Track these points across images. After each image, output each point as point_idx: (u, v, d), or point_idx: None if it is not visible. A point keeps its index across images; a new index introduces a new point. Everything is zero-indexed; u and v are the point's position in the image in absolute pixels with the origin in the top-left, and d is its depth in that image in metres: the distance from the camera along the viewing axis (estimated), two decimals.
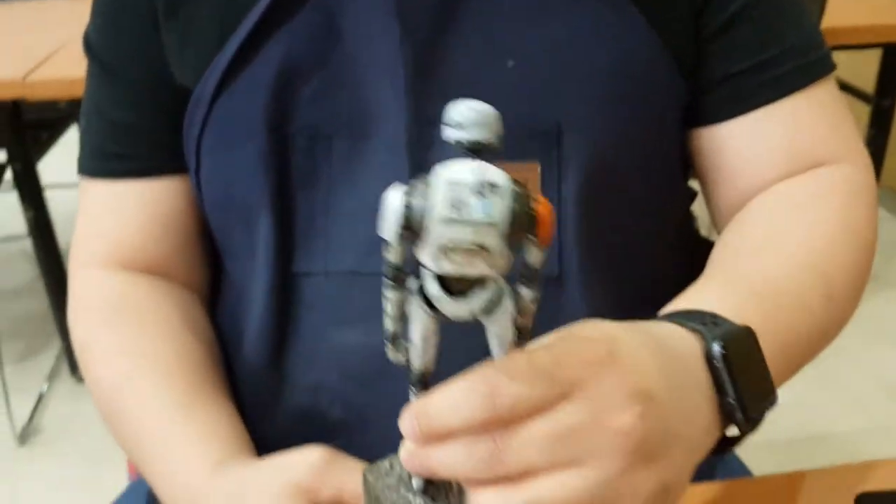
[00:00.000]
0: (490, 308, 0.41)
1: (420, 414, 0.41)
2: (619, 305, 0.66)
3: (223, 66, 0.64)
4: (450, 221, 0.38)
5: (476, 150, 0.39)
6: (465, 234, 0.38)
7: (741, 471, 0.82)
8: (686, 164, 0.71)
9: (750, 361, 0.49)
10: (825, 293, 0.60)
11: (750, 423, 0.49)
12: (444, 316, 0.41)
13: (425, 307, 0.41)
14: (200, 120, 0.65)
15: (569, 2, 0.63)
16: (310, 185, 0.65)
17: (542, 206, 0.39)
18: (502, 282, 0.41)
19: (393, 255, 0.41)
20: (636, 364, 0.42)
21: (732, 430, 0.51)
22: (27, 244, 2.11)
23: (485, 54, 0.62)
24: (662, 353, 0.45)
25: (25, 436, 2.05)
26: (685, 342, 0.49)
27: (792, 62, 0.66)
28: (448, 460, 0.40)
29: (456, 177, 0.38)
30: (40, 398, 2.16)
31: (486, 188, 0.38)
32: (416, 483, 0.46)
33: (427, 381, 0.44)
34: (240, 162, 0.65)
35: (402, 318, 0.42)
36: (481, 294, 0.40)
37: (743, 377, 0.48)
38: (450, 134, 0.39)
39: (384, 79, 0.63)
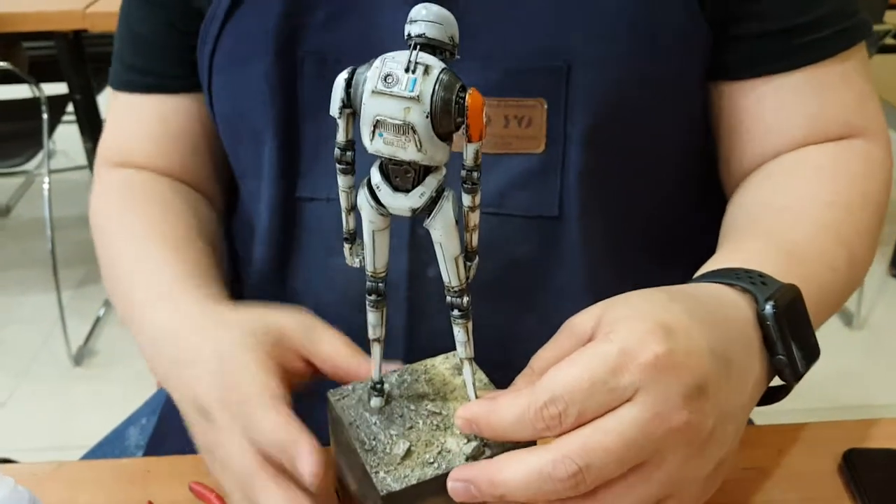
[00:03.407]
0: (429, 207, 0.42)
1: (483, 424, 0.44)
2: (616, 251, 0.67)
3: None
4: (378, 94, 0.40)
5: (427, 46, 0.40)
6: (391, 108, 0.39)
7: None
8: (706, 120, 0.71)
9: (797, 319, 0.51)
10: (847, 255, 0.61)
11: (796, 377, 0.51)
12: (384, 208, 0.43)
13: (369, 197, 0.43)
14: (213, 37, 0.67)
15: None
16: (317, 111, 0.65)
17: (472, 97, 0.40)
18: (442, 183, 0.42)
19: (339, 133, 0.43)
20: (690, 357, 0.43)
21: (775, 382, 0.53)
22: (87, 174, 2.18)
23: None
24: (714, 328, 0.46)
25: (80, 357, 2.15)
26: (736, 304, 0.50)
27: (829, 28, 0.64)
28: (527, 485, 0.41)
29: (393, 55, 0.40)
30: (96, 322, 2.26)
31: (417, 67, 0.40)
32: (374, 402, 0.49)
33: (380, 290, 0.46)
34: (248, 81, 0.66)
35: (355, 215, 0.45)
36: (419, 191, 0.42)
37: (792, 334, 0.50)
38: (406, 29, 0.41)
39: (398, 6, 0.62)
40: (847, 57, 0.66)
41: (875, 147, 0.68)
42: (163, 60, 0.73)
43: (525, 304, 0.66)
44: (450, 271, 0.44)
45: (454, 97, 0.40)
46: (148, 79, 0.73)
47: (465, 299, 0.45)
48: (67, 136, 2.57)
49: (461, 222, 0.43)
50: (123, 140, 0.76)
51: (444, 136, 0.41)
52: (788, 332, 0.50)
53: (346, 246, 0.46)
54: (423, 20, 0.40)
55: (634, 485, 0.42)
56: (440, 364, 0.52)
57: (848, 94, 0.67)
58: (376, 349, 0.48)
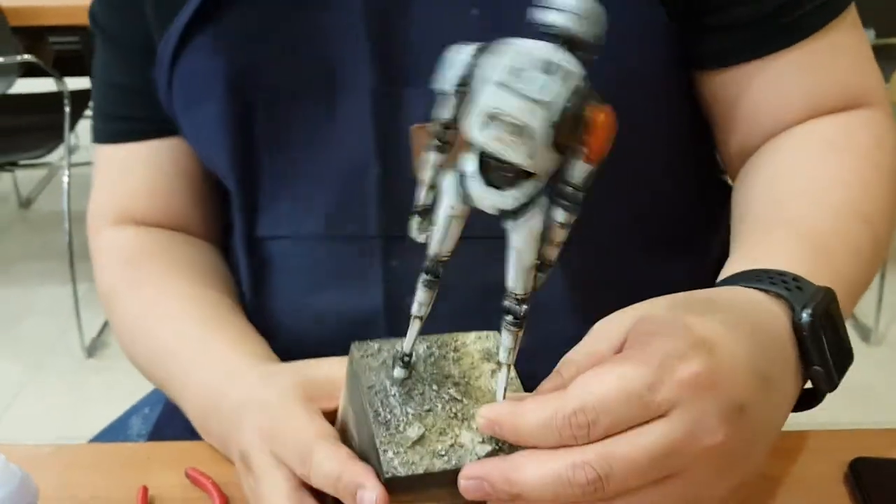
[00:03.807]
0: (516, 213, 0.39)
1: (507, 428, 0.42)
2: (612, 254, 0.66)
3: (181, 27, 0.63)
4: (502, 86, 0.36)
5: (564, 41, 0.37)
6: (512, 105, 0.36)
7: None
8: (689, 111, 0.68)
9: (833, 324, 0.49)
10: (871, 235, 0.59)
11: (832, 386, 0.49)
12: (471, 199, 0.40)
13: (459, 184, 0.40)
14: (165, 81, 0.66)
15: None
16: (275, 147, 0.65)
17: (603, 114, 0.36)
18: (540, 191, 0.39)
19: (446, 109, 0.39)
20: (731, 376, 0.41)
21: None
22: None
23: (448, 4, 0.60)
24: (754, 344, 0.44)
25: (93, 349, 2.16)
26: (773, 314, 0.48)
27: (811, 2, 0.62)
28: (544, 488, 0.40)
29: (528, 47, 0.37)
30: None
31: (553, 67, 0.36)
32: (397, 373, 0.46)
33: (437, 272, 0.44)
34: (203, 122, 0.66)
35: (434, 193, 0.42)
36: (513, 193, 0.39)
37: (828, 342, 0.48)
38: (540, 16, 0.37)
39: (348, 39, 0.61)
40: (835, 27, 0.64)
41: (878, 113, 0.66)
42: (146, 106, 0.70)
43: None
44: (518, 279, 0.41)
45: (585, 112, 0.36)
46: (135, 125, 0.71)
47: (525, 308, 0.42)
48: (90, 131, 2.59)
49: (546, 235, 0.40)
50: (119, 196, 0.75)
51: (561, 148, 0.38)
52: (825, 341, 0.48)
53: (416, 218, 0.43)
54: (572, 12, 0.36)
55: (654, 496, 0.40)
56: (472, 344, 0.50)
57: (842, 64, 0.65)
58: (416, 325, 0.46)
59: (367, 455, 0.46)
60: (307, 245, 0.66)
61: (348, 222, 0.65)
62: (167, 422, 0.78)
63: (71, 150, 2.14)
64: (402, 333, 0.46)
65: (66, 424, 1.91)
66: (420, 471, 0.43)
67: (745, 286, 0.50)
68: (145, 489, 0.57)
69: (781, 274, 0.51)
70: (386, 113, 0.62)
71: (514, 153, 0.37)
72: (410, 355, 0.47)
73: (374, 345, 0.48)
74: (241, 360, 0.62)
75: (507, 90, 0.36)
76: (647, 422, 0.39)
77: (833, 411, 0.75)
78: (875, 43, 1.78)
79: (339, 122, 0.63)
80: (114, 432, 0.85)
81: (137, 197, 0.73)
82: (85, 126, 2.36)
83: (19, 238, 2.66)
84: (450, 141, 0.40)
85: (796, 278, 0.50)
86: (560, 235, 0.40)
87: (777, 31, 0.63)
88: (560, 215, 0.39)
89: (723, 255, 0.60)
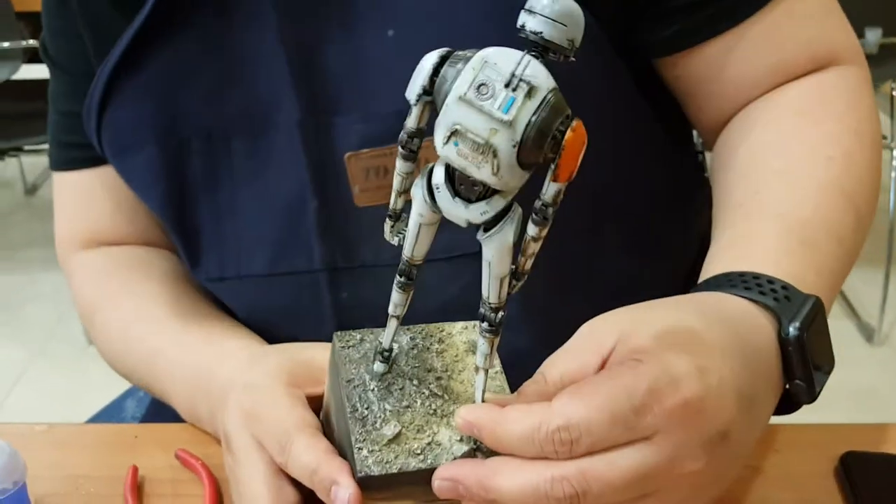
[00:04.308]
0: (487, 226, 0.39)
1: (487, 432, 0.41)
2: (587, 257, 0.66)
3: (106, 75, 0.63)
4: (465, 102, 0.35)
5: (539, 47, 0.35)
6: (475, 123, 0.35)
7: None
8: (654, 97, 0.66)
9: (819, 336, 0.49)
10: (854, 216, 0.58)
11: (812, 398, 0.49)
12: (440, 210, 0.39)
13: (426, 194, 0.39)
14: (94, 130, 0.65)
15: None
16: (212, 188, 0.64)
17: (574, 134, 0.35)
18: (509, 205, 0.38)
19: (410, 119, 0.38)
20: (719, 404, 0.41)
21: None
22: None
23: (365, 28, 0.59)
24: (745, 362, 0.44)
25: None
26: (760, 327, 0.48)
27: None
28: (520, 497, 0.40)
29: (496, 58, 0.35)
30: None
31: (520, 84, 0.34)
32: (377, 367, 0.46)
33: (411, 274, 0.43)
34: (134, 169, 0.66)
35: (405, 199, 0.41)
36: (482, 207, 0.38)
37: (813, 355, 0.48)
38: (519, 19, 0.35)
39: (273, 73, 0.61)
40: None
41: (851, 69, 0.64)
42: None
43: None
44: (491, 288, 0.41)
45: (552, 132, 0.35)
46: (88, 152, 0.70)
47: (500, 315, 0.42)
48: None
49: (518, 246, 0.40)
50: (83, 221, 0.75)
51: (527, 166, 0.36)
52: (810, 355, 0.48)
53: (389, 222, 0.43)
54: (545, 16, 0.34)
55: None
56: (458, 334, 0.49)
57: (802, 27, 0.63)
58: (393, 323, 0.45)
59: (343, 449, 0.46)
60: (254, 284, 0.66)
61: (292, 258, 0.64)
62: (158, 408, 0.79)
63: None
64: None
65: (66, 410, 1.92)
66: (394, 470, 0.43)
67: (734, 293, 0.50)
68: (135, 469, 0.57)
69: (771, 282, 0.50)
70: (316, 144, 0.61)
71: (477, 171, 0.36)
72: (390, 350, 0.47)
73: (357, 335, 0.48)
74: (231, 342, 0.63)
75: (470, 107, 0.35)
76: (629, 442, 0.39)
77: (835, 412, 0.75)
78: (882, 41, 1.77)
79: (273, 158, 0.63)
80: (108, 414, 0.86)
81: (101, 220, 0.74)
82: None
83: (24, 224, 2.67)
84: (415, 150, 0.39)
85: (785, 286, 0.50)
86: (532, 248, 0.40)
87: (727, 8, 0.61)
88: (533, 230, 0.39)
89: (701, 251, 0.59)
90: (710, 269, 0.54)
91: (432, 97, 0.37)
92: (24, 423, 0.63)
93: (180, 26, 0.61)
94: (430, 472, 0.42)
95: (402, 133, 0.39)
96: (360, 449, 0.43)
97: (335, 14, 0.59)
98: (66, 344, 2.14)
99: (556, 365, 0.44)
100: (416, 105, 0.38)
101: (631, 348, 0.41)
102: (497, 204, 0.38)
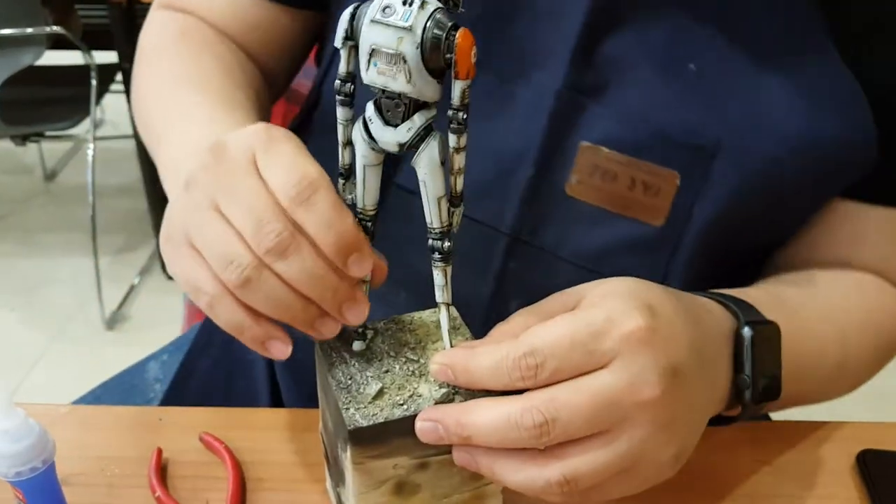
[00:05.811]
0: (416, 143, 0.44)
1: (460, 370, 0.45)
2: None
3: None
4: (375, 23, 0.42)
5: None
6: (385, 37, 0.41)
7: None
8: None
9: (769, 350, 0.53)
10: (840, 356, 0.62)
11: (754, 401, 0.52)
12: (375, 143, 0.44)
13: (363, 130, 0.45)
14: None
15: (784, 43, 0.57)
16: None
17: (462, 36, 0.41)
18: (430, 119, 0.44)
19: (341, 65, 0.44)
20: (670, 340, 0.44)
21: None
22: (133, 144, 2.21)
23: (668, 48, 0.58)
24: (695, 326, 0.47)
25: (113, 321, 2.18)
26: (718, 318, 0.52)
27: None
28: (494, 430, 0.43)
29: None
30: (131, 289, 2.29)
31: (414, 1, 0.41)
32: (356, 346, 0.49)
33: (367, 228, 0.47)
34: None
35: (351, 151, 0.46)
36: (406, 125, 0.43)
37: (760, 360, 0.52)
38: None
39: (562, 28, 0.59)
40: None
41: None
42: None
43: None
44: (432, 212, 0.46)
45: (445, 34, 0.41)
46: None
47: (447, 244, 0.46)
48: (117, 107, 2.61)
49: (447, 164, 0.45)
50: None
51: (435, 73, 0.42)
52: (758, 358, 0.51)
53: (341, 181, 0.47)
54: None
55: (595, 448, 0.43)
56: (428, 317, 0.53)
57: None
58: (361, 288, 0.47)
59: (336, 426, 0.48)
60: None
61: (487, 208, 0.62)
62: (190, 371, 0.80)
63: (97, 124, 2.16)
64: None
65: (84, 393, 1.94)
66: (381, 420, 0.45)
67: (704, 295, 0.54)
68: (160, 451, 0.58)
69: (743, 301, 0.54)
70: (560, 120, 0.60)
71: (395, 82, 0.42)
72: (365, 327, 0.50)
73: None
74: (242, 116, 0.62)
75: (379, 25, 0.41)
76: (591, 371, 0.43)
77: (852, 410, 0.75)
78: None
79: (511, 107, 0.61)
80: (130, 375, 0.87)
81: (216, 11, 0.73)
82: (111, 100, 2.38)
83: (43, 209, 2.69)
84: (350, 94, 0.45)
85: (753, 308, 0.54)
86: (458, 161, 0.44)
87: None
88: (452, 140, 0.43)
89: None
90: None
91: (353, 40, 0.43)
92: (48, 404, 0.64)
93: None
94: (414, 420, 0.45)
95: (335, 81, 0.44)
96: (346, 409, 0.46)
97: (640, 23, 0.58)
98: (84, 329, 2.16)
99: (522, 314, 0.48)
100: (343, 49, 0.44)
101: (594, 296, 0.46)
102: (419, 120, 0.43)
